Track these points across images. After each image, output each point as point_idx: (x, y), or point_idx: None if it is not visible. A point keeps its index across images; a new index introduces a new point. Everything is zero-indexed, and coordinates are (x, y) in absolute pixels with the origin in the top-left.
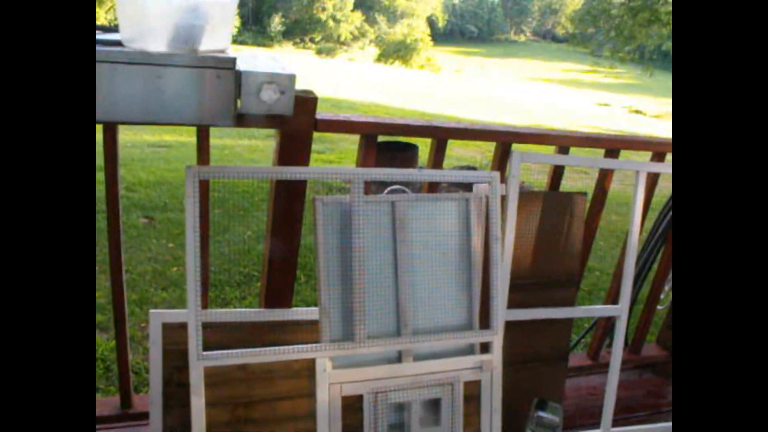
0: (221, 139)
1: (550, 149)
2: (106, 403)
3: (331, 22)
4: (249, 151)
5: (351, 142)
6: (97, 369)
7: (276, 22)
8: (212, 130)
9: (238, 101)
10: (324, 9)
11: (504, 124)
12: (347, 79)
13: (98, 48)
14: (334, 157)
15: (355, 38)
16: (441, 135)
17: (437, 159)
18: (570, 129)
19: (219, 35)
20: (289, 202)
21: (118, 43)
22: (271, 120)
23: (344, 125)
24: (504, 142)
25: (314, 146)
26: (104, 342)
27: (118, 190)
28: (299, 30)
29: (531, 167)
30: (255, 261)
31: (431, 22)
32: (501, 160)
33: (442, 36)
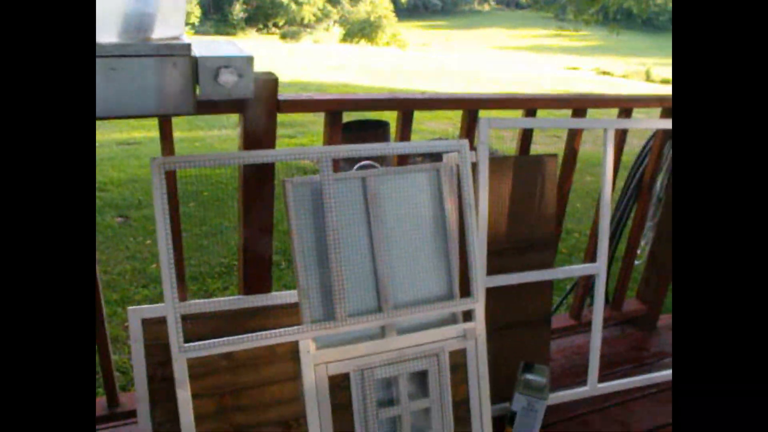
0: (191, 131)
1: (518, 114)
2: None
3: (293, 6)
4: (220, 141)
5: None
6: None
7: (237, 10)
8: (181, 122)
9: (197, 88)
10: None
11: (470, 93)
12: (313, 61)
13: None
14: (306, 140)
15: (318, 20)
16: (406, 106)
17: (405, 131)
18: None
19: (171, 22)
20: (258, 187)
21: None
22: (232, 105)
23: (308, 104)
24: (470, 109)
25: (285, 131)
26: None
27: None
28: (262, 15)
29: (504, 135)
30: (234, 251)
31: None
32: (469, 128)
33: (405, 11)
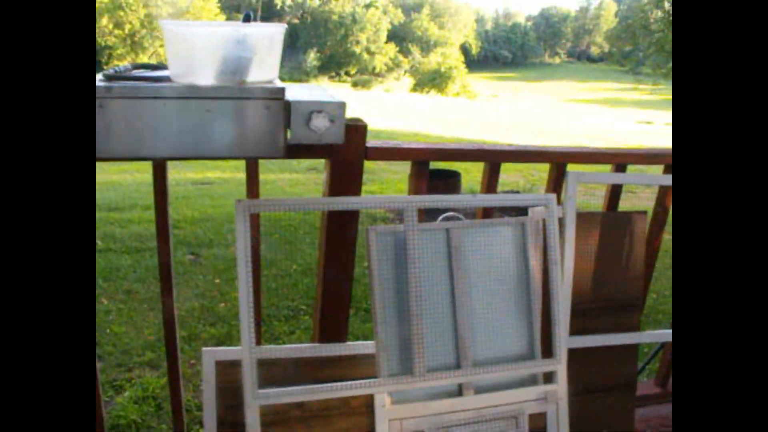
0: (261, 173)
1: (605, 168)
2: None
3: (365, 55)
4: (291, 184)
5: (392, 173)
6: (148, 407)
7: (311, 57)
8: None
9: (288, 132)
10: (358, 42)
11: (555, 146)
12: (384, 109)
13: (146, 84)
14: (375, 187)
15: (389, 69)
16: (494, 158)
17: (491, 183)
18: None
19: (266, 66)
20: (341, 233)
21: (167, 80)
22: (320, 150)
23: (395, 152)
24: (558, 162)
25: None
26: (154, 379)
27: (168, 226)
28: (334, 64)
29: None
30: (302, 294)
31: (465, 49)
32: (555, 182)
33: (476, 63)
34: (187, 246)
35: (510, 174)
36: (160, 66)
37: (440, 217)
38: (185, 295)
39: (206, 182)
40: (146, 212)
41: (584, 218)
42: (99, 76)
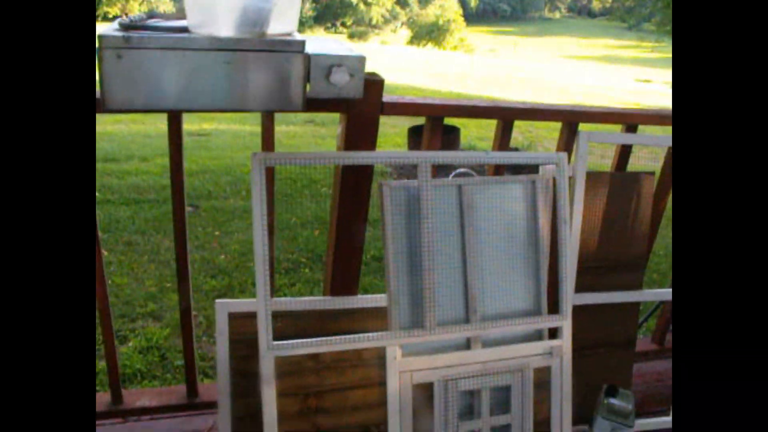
0: (252, 125)
1: (615, 128)
2: (170, 392)
3: (362, 6)
4: (288, 137)
5: (389, 126)
6: (153, 357)
7: (306, 8)
8: (248, 116)
9: (307, 85)
10: None
11: (567, 104)
12: (381, 62)
13: (166, 35)
14: None
15: (386, 21)
16: (507, 116)
17: (503, 141)
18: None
19: (286, 18)
20: (355, 188)
21: (185, 30)
22: (337, 104)
23: (411, 108)
24: (570, 122)
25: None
26: (158, 330)
27: (183, 178)
28: (330, 15)
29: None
30: (301, 247)
31: (463, 2)
32: (567, 141)
33: (474, 16)
34: (187, 198)
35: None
36: (173, 16)
37: (452, 173)
38: None
39: (202, 134)
40: (143, 163)
41: (593, 177)
42: (114, 25)
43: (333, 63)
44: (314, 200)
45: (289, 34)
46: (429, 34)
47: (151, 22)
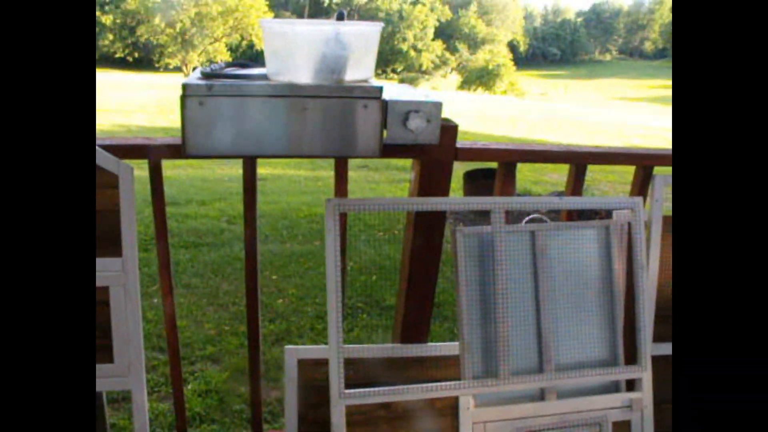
0: (306, 170)
1: None
2: None
3: (412, 52)
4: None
5: None
6: (211, 400)
7: None
8: (299, 160)
9: (384, 131)
10: (405, 39)
11: (639, 147)
12: None
13: (247, 83)
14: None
15: (436, 67)
16: (580, 160)
17: (576, 185)
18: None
19: (362, 65)
20: (428, 234)
21: (264, 78)
22: (412, 149)
23: (484, 153)
24: (645, 165)
25: (391, 174)
26: (216, 373)
27: (255, 221)
28: (381, 61)
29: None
30: (359, 293)
31: (513, 46)
32: (641, 185)
33: (524, 60)
34: (244, 242)
35: (561, 173)
36: (248, 64)
37: (525, 219)
38: (243, 291)
39: (259, 179)
40: (201, 207)
41: (670, 222)
42: (196, 74)
43: (410, 109)
44: (370, 245)
45: (366, 81)
46: (479, 78)
47: (230, 70)
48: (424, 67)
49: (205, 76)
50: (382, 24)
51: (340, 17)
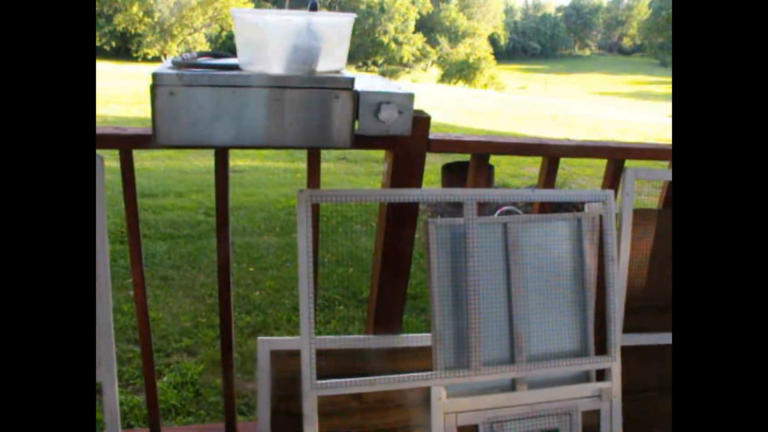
0: (285, 162)
1: (662, 165)
2: (208, 429)
3: (393, 45)
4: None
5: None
6: (187, 393)
7: None
8: (276, 152)
9: (356, 122)
10: (386, 32)
11: (612, 141)
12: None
13: (218, 73)
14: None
15: (417, 60)
16: (553, 153)
17: (549, 178)
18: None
19: (335, 57)
20: (400, 226)
21: (236, 68)
22: (384, 141)
23: (457, 145)
24: (616, 159)
25: (370, 167)
26: (192, 365)
27: (228, 213)
28: (362, 53)
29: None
30: (336, 284)
31: (493, 40)
32: (613, 178)
33: (504, 54)
34: (216, 235)
35: (532, 166)
36: (221, 54)
37: (498, 211)
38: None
39: (236, 170)
40: (178, 199)
41: (640, 215)
42: (167, 63)
43: (382, 100)
44: (348, 237)
45: (338, 72)
46: (459, 72)
47: (202, 60)
48: (404, 60)
49: (177, 65)
50: (354, 15)
51: (314, 8)
